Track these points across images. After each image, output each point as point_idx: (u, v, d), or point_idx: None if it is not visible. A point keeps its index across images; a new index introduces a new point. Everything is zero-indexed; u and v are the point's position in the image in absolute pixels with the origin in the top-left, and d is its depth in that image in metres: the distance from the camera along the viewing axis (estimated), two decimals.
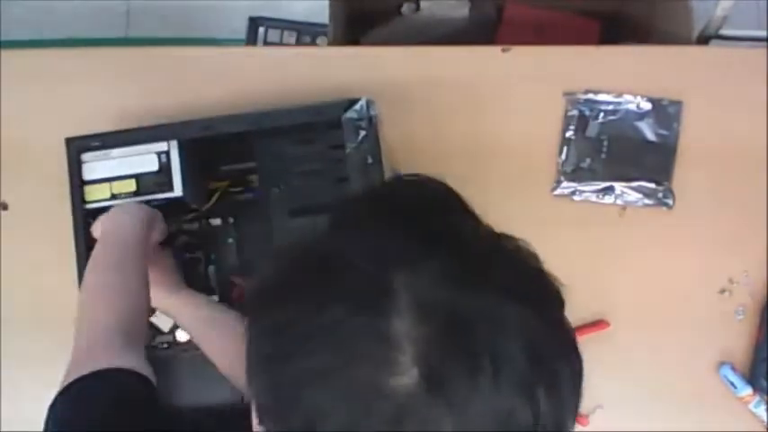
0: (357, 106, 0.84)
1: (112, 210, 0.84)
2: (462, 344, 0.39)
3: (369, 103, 0.84)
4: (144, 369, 0.65)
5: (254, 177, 0.95)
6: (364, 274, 0.41)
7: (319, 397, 0.39)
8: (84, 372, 0.63)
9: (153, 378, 0.65)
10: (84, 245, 0.84)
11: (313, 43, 1.57)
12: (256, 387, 0.44)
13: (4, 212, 1.00)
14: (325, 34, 1.53)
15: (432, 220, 0.46)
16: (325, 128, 0.88)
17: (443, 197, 0.51)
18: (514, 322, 0.41)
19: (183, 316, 0.86)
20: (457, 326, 0.39)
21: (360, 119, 0.84)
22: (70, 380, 0.63)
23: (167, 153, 0.85)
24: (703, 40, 1.10)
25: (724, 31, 1.09)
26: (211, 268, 0.94)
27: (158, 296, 0.83)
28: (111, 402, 0.62)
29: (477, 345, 0.39)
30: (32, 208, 1.00)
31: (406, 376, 0.38)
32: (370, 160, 0.83)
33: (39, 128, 1.01)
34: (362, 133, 0.83)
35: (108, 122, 0.97)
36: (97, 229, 0.83)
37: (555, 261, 1.08)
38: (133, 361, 0.66)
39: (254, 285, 0.47)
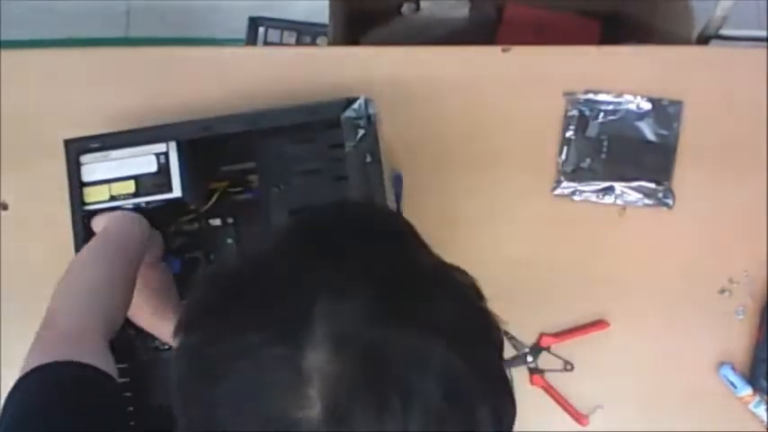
0: (355, 105, 0.84)
1: (120, 212, 0.84)
2: (373, 380, 0.39)
3: (367, 102, 0.84)
4: (113, 371, 0.64)
5: (253, 177, 0.95)
6: (288, 302, 0.41)
7: (228, 422, 0.40)
8: (54, 359, 0.61)
9: (117, 378, 0.64)
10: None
11: (313, 43, 1.57)
12: (174, 404, 0.44)
13: (4, 212, 1.00)
14: (325, 34, 1.52)
15: (370, 251, 0.45)
16: (324, 127, 0.88)
17: (390, 228, 0.51)
18: (435, 361, 0.40)
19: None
20: (371, 361, 0.39)
21: (358, 118, 0.84)
22: (36, 364, 0.60)
23: (166, 154, 0.85)
24: (703, 40, 1.10)
25: (724, 31, 1.09)
26: None
27: (145, 317, 0.82)
28: (76, 397, 0.59)
29: (388, 381, 0.39)
30: (32, 208, 1.00)
31: (312, 410, 0.38)
32: (369, 159, 0.83)
33: (39, 128, 1.01)
34: (361, 132, 0.83)
35: (108, 122, 0.97)
36: (99, 224, 0.83)
37: (555, 261, 1.09)
38: (103, 359, 0.64)
39: (186, 304, 0.47)
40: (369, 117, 0.84)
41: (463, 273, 0.48)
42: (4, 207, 1.00)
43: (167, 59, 1.04)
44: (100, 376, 0.61)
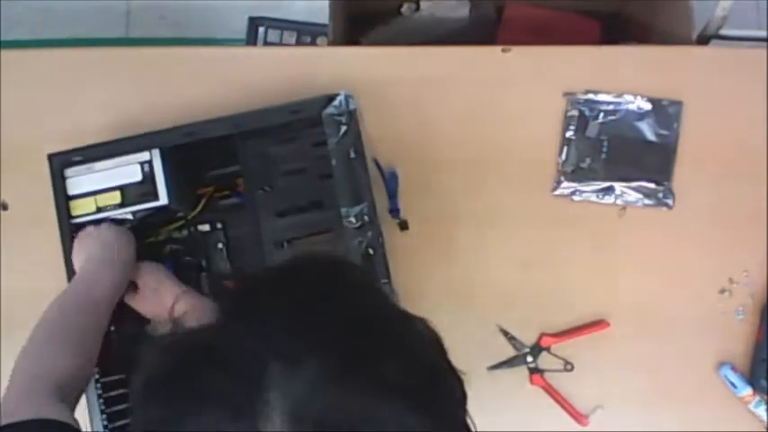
0: (336, 101, 0.84)
1: (99, 238, 0.83)
2: None
3: (347, 98, 0.84)
4: (69, 419, 0.62)
5: (239, 181, 0.94)
6: (242, 375, 0.41)
7: None
8: (10, 420, 0.60)
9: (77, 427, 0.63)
10: None
11: (313, 43, 1.57)
12: None
13: (4, 212, 1.00)
14: (325, 34, 1.52)
15: (321, 311, 0.45)
16: (307, 125, 0.88)
17: (346, 284, 0.50)
18: (391, 423, 0.40)
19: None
20: (326, 429, 0.39)
21: (340, 114, 0.84)
22: (8, 421, 0.59)
23: (150, 162, 0.85)
24: (703, 40, 1.10)
25: (724, 31, 1.09)
26: (203, 275, 0.94)
27: (143, 304, 0.82)
28: None
29: None
30: (32, 208, 0.99)
31: None
32: (352, 154, 0.83)
33: (38, 128, 1.01)
34: (343, 128, 0.83)
35: (107, 122, 0.97)
36: (80, 252, 0.82)
37: (555, 261, 1.08)
38: (62, 412, 0.63)
39: (141, 373, 0.46)
40: (350, 113, 0.83)
41: (426, 324, 0.47)
42: (4, 207, 1.00)
43: (167, 59, 1.04)
44: (63, 428, 0.60)
